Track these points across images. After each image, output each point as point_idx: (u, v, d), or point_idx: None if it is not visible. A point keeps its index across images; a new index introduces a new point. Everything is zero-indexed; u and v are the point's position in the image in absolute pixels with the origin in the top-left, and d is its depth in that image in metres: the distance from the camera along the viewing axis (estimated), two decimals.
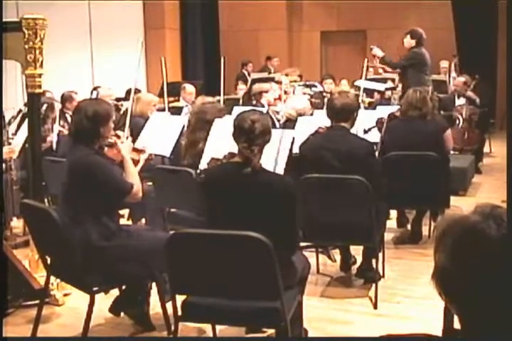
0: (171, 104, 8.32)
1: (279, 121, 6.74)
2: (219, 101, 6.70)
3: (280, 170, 3.99)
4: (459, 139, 8.91)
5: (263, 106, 7.34)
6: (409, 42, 8.28)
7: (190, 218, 4.54)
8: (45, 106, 6.16)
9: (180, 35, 13.36)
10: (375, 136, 5.45)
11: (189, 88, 8.95)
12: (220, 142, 4.15)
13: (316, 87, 10.09)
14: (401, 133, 5.35)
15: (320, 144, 4.44)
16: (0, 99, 4.41)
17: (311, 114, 6.20)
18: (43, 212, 3.54)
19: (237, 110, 5.41)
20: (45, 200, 5.17)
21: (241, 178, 3.15)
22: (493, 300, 1.28)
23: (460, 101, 9.45)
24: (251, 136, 3.18)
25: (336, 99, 4.46)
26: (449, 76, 11.45)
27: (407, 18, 13.94)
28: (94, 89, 8.42)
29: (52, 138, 6.33)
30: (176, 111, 7.74)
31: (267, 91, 7.56)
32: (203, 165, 4.33)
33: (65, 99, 7.57)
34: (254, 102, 7.67)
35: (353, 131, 4.61)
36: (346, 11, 14.78)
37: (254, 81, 9.34)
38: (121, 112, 7.57)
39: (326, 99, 5.86)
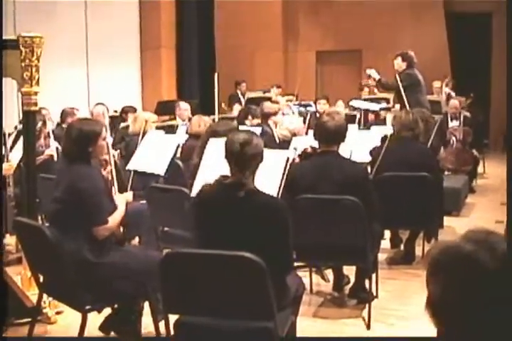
0: (167, 123, 8.35)
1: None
2: (213, 120, 6.74)
3: (275, 191, 3.99)
4: (453, 160, 8.97)
5: (270, 128, 7.32)
6: (399, 64, 8.32)
7: (185, 237, 4.54)
8: (40, 123, 6.21)
9: (176, 53, 13.41)
10: (365, 156, 5.48)
11: (183, 105, 9.00)
12: (215, 164, 4.15)
13: (311, 106, 10.15)
14: (394, 154, 5.37)
15: (314, 174, 4.36)
16: (0, 116, 4.45)
17: (306, 134, 6.23)
18: (36, 229, 3.55)
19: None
20: (39, 217, 5.16)
21: (234, 200, 3.15)
22: (488, 329, 1.27)
23: (454, 123, 9.52)
24: (241, 159, 3.17)
25: (327, 122, 4.38)
26: (443, 95, 11.55)
27: (403, 39, 14.02)
28: (97, 104, 8.43)
29: (52, 151, 6.37)
30: (171, 129, 7.76)
31: (275, 114, 7.53)
32: (196, 190, 4.27)
33: (66, 114, 7.63)
34: (250, 121, 7.67)
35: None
36: (342, 31, 14.85)
37: (250, 100, 9.40)
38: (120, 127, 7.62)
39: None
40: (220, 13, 14.42)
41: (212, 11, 14.33)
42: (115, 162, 5.05)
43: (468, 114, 9.87)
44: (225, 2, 14.45)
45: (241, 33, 14.78)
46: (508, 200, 3.27)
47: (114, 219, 3.77)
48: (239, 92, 12.91)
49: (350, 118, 8.13)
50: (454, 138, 9.25)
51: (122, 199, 4.00)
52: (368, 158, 5.51)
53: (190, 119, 7.42)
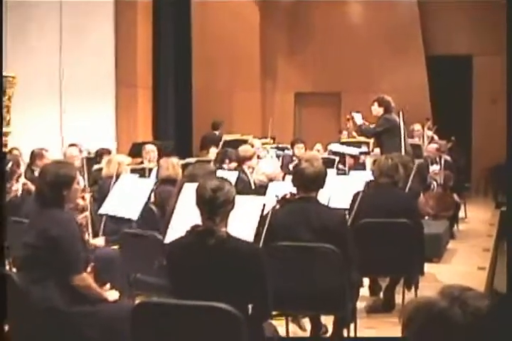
0: (141, 166, 8.37)
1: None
2: (187, 163, 6.76)
3: (250, 237, 4.01)
4: (434, 205, 9.04)
5: (245, 173, 7.35)
6: (376, 110, 8.44)
7: (158, 284, 4.54)
8: (10, 164, 6.21)
9: (153, 93, 13.49)
10: (344, 202, 5.53)
11: (149, 147, 9.09)
12: (190, 210, 4.16)
13: (288, 149, 10.21)
14: (373, 200, 5.42)
15: (292, 220, 4.38)
16: None
17: (283, 179, 6.28)
18: (3, 275, 3.53)
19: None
20: (7, 263, 5.13)
21: (205, 249, 3.17)
22: None
23: (434, 167, 9.64)
24: (212, 206, 3.21)
25: (307, 169, 4.42)
26: (423, 139, 11.67)
27: (382, 81, 14.24)
28: (71, 146, 8.43)
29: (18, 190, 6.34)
30: (146, 172, 7.78)
31: (250, 158, 7.55)
32: (170, 237, 4.28)
33: (35, 155, 7.60)
34: (227, 164, 7.72)
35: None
36: (321, 73, 15.01)
37: (226, 143, 9.46)
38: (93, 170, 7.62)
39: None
40: (198, 53, 14.58)
41: (190, 49, 14.47)
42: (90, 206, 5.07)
43: (448, 158, 10.01)
44: (203, 41, 14.62)
45: (218, 72, 14.89)
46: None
47: (90, 291, 3.75)
48: (216, 134, 12.99)
49: (329, 163, 8.20)
50: (434, 182, 9.36)
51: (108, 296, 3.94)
52: (346, 204, 5.56)
53: (158, 164, 7.43)
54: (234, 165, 7.69)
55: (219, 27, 14.83)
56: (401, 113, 8.24)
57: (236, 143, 9.04)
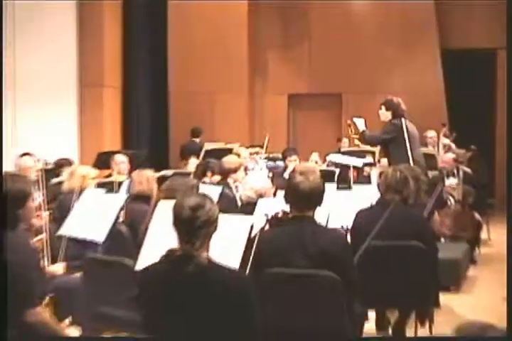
0: (109, 179, 8.37)
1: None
2: (163, 176, 6.76)
3: (235, 263, 4.02)
4: (451, 224, 9.06)
5: (230, 188, 7.38)
6: (384, 114, 8.49)
7: (127, 318, 4.53)
8: None
9: (122, 94, 13.49)
10: (345, 222, 5.55)
11: (119, 157, 9.10)
12: (166, 232, 4.16)
13: (280, 160, 10.18)
14: (378, 220, 5.43)
15: (285, 244, 4.36)
16: None
17: (274, 195, 6.29)
18: None
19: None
20: None
21: (184, 278, 3.18)
22: None
23: (450, 181, 9.65)
24: (191, 227, 3.23)
25: (301, 183, 4.40)
26: (438, 148, 11.69)
27: (390, 80, 14.28)
28: (24, 155, 8.41)
29: None
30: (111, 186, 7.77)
31: (235, 171, 7.58)
32: (142, 263, 4.28)
33: None
34: (209, 178, 7.73)
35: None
36: (319, 71, 15.06)
37: (208, 153, 9.48)
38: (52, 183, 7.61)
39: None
40: (177, 51, 14.62)
41: (165, 47, 14.53)
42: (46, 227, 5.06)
43: (468, 170, 10.04)
44: (183, 37, 14.66)
45: (200, 71, 14.89)
46: None
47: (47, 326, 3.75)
48: (197, 142, 12.98)
49: (328, 176, 8.22)
50: (451, 198, 9.38)
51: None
52: (348, 225, 5.58)
53: (129, 176, 7.44)
54: (217, 178, 7.70)
55: (201, 21, 14.87)
56: (403, 119, 8.28)
57: (219, 153, 9.06)
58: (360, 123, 8.68)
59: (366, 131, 8.65)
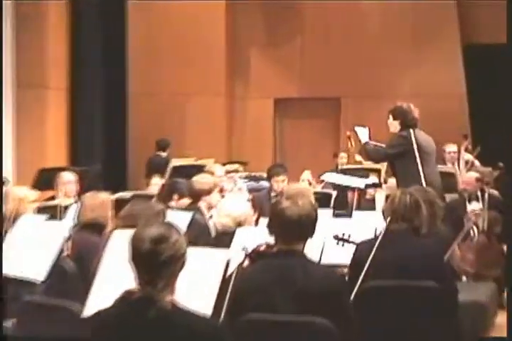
0: (52, 202, 8.37)
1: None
2: (121, 199, 6.73)
3: (207, 309, 4.02)
4: (474, 259, 9.08)
5: (202, 214, 7.36)
6: (393, 124, 8.52)
7: None
8: None
9: (70, 97, 13.49)
10: (342, 257, 5.56)
11: (65, 176, 9.10)
12: (120, 270, 4.15)
13: (265, 180, 10.17)
14: (385, 254, 5.43)
15: (269, 284, 4.36)
16: None
17: (256, 223, 6.31)
18: None
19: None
20: None
21: (143, 325, 3.18)
22: None
23: (473, 206, 9.65)
24: (153, 264, 3.21)
25: (288, 209, 4.39)
26: (459, 165, 11.71)
27: (399, 82, 14.34)
28: None
29: None
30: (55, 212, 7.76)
31: (209, 193, 7.63)
32: (91, 308, 4.27)
33: None
34: (175, 201, 7.73)
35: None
36: (312, 72, 15.13)
37: (176, 170, 9.46)
38: None
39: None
40: (140, 46, 14.67)
41: (124, 43, 14.58)
42: None
43: (495, 192, 10.06)
44: (148, 30, 14.72)
45: (167, 71, 14.93)
46: None
47: None
48: (163, 156, 12.99)
49: (322, 200, 8.23)
50: (474, 227, 9.39)
51: None
52: (346, 260, 5.59)
53: (79, 199, 7.42)
54: (186, 202, 7.70)
55: (171, 18, 14.97)
56: (412, 130, 8.29)
57: (189, 171, 9.08)
58: (363, 134, 8.65)
59: (370, 143, 8.65)
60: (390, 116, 8.52)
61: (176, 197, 7.75)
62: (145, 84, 14.74)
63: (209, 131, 14.69)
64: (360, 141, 8.69)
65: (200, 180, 7.76)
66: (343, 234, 5.68)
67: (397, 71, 14.69)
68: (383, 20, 14.86)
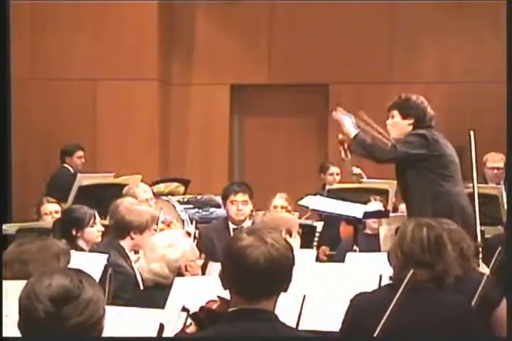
0: None
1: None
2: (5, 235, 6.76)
3: None
4: None
5: (124, 256, 7.42)
6: (397, 125, 8.59)
7: None
8: None
9: None
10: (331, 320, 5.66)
11: None
12: None
13: (219, 207, 10.23)
14: (393, 314, 5.50)
15: None
16: None
17: (202, 270, 6.38)
18: None
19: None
20: None
21: None
22: None
23: None
24: (55, 334, 3.24)
25: (251, 249, 4.34)
26: (504, 184, 11.82)
27: (411, 64, 14.56)
28: None
29: None
30: None
31: (144, 229, 7.70)
32: None
33: None
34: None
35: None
36: (287, 48, 15.41)
37: (83, 190, 9.53)
38: None
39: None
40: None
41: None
42: None
43: None
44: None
45: (74, 49, 15.05)
46: None
47: None
48: (69, 169, 13.07)
49: (304, 235, 8.29)
50: None
51: None
52: (335, 325, 5.67)
53: None
54: (95, 235, 7.77)
55: None
56: (434, 132, 8.38)
57: (103, 192, 9.14)
58: (348, 123, 8.70)
59: (361, 134, 8.68)
60: (395, 113, 8.57)
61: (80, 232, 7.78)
62: (40, 65, 14.84)
63: (134, 133, 14.77)
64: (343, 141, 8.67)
65: (134, 208, 7.80)
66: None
67: (407, 49, 15.02)
68: None
